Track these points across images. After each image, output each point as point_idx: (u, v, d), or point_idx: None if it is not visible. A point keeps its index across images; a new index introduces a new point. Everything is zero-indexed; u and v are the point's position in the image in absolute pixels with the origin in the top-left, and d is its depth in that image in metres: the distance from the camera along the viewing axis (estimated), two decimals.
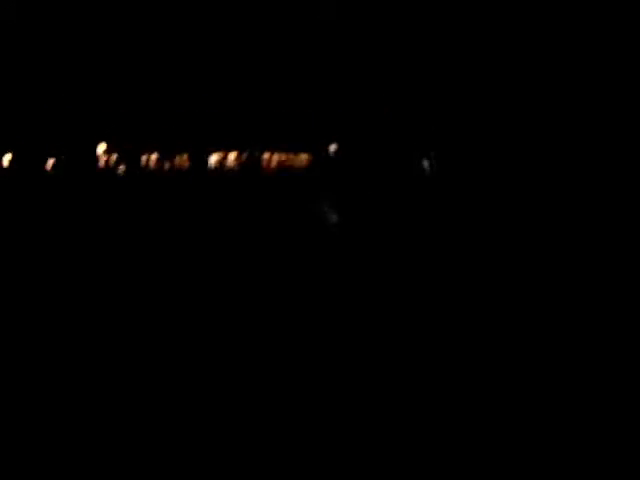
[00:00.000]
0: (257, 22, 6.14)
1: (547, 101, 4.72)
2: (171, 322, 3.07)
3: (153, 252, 5.13)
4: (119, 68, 6.27)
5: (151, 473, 2.02)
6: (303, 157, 6.60)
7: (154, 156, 6.42)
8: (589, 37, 4.36)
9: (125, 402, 2.24)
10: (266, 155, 6.73)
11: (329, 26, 5.41)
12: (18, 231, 6.16)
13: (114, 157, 6.22)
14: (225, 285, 3.87)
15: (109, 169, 6.45)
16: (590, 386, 2.78)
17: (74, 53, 6.33)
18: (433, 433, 2.21)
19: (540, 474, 2.03)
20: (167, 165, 6.72)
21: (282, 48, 6.14)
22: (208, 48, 6.37)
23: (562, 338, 3.02)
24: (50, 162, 6.08)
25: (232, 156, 6.91)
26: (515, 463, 2.10)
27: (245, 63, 6.27)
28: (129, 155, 6.25)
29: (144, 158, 6.47)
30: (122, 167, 6.28)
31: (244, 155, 6.79)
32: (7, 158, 6.15)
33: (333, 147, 5.77)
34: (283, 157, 6.63)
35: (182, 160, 6.72)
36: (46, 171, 6.20)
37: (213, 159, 6.91)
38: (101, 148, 6.10)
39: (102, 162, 6.35)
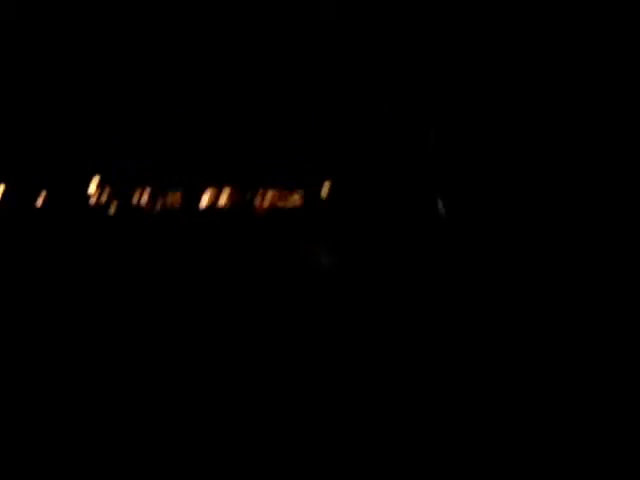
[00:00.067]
0: (247, 65, 6.20)
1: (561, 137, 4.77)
2: (161, 364, 3.03)
3: (142, 291, 5.08)
4: (113, 104, 6.30)
5: (151, 473, 2.00)
6: (296, 196, 6.59)
7: (146, 193, 6.40)
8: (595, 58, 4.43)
9: (123, 405, 2.22)
10: (259, 193, 6.72)
11: (322, 64, 5.47)
12: (6, 266, 6.08)
13: (106, 193, 6.19)
14: (216, 325, 3.83)
15: (100, 205, 6.40)
16: (590, 386, 2.78)
17: (64, 91, 6.36)
18: (433, 433, 2.20)
19: (540, 474, 2.01)
20: (159, 202, 6.69)
21: (271, 90, 6.19)
22: (200, 84, 6.43)
23: (566, 343, 3.03)
24: (41, 197, 6.03)
25: (225, 194, 6.91)
26: (515, 463, 2.09)
27: (238, 100, 6.32)
28: (121, 191, 6.22)
29: (136, 195, 6.44)
30: (114, 204, 6.24)
31: (237, 193, 6.79)
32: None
33: (327, 185, 5.76)
34: (276, 196, 6.62)
35: (174, 198, 6.70)
36: (36, 206, 6.15)
37: (205, 197, 6.89)
38: (93, 183, 6.07)
39: (94, 198, 6.31)
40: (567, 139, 4.59)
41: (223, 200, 6.73)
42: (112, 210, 6.69)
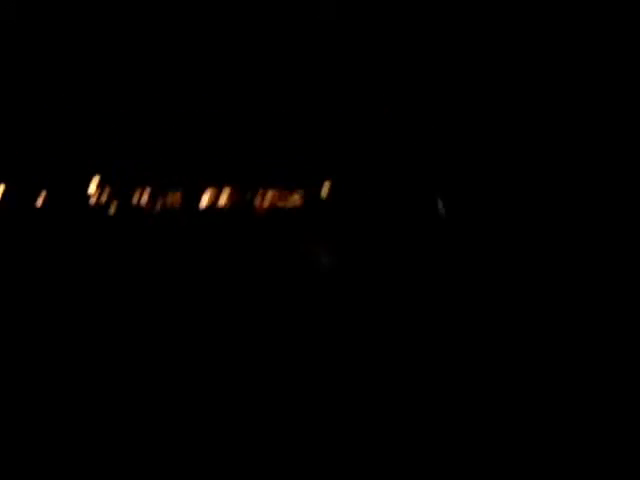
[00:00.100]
0: (246, 68, 6.20)
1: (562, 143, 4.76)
2: (160, 363, 3.03)
3: (142, 291, 5.08)
4: (112, 105, 6.30)
5: (150, 473, 2.00)
6: (296, 196, 6.59)
7: (146, 193, 6.40)
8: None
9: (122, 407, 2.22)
10: (259, 193, 6.72)
11: (321, 67, 5.47)
12: (5, 266, 6.08)
13: (106, 193, 6.19)
14: (216, 325, 3.83)
15: (100, 205, 6.41)
16: (590, 387, 2.78)
17: (63, 94, 6.37)
18: (432, 434, 2.20)
19: (540, 474, 2.01)
20: (159, 202, 6.70)
21: (272, 90, 6.19)
22: (200, 86, 6.42)
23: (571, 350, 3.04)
24: (41, 196, 6.04)
25: (225, 194, 6.91)
26: (515, 463, 2.09)
27: (238, 101, 6.31)
28: (121, 191, 6.23)
29: (136, 195, 6.44)
30: (114, 204, 6.25)
31: (237, 193, 6.78)
32: None
33: (327, 185, 5.76)
34: (276, 196, 6.62)
35: (174, 197, 6.71)
36: (36, 206, 6.15)
37: (205, 197, 6.89)
38: (93, 183, 6.08)
39: (93, 198, 6.32)
40: (567, 140, 4.59)
41: (223, 200, 6.73)
42: (112, 210, 6.70)
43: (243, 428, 2.26)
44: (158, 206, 6.69)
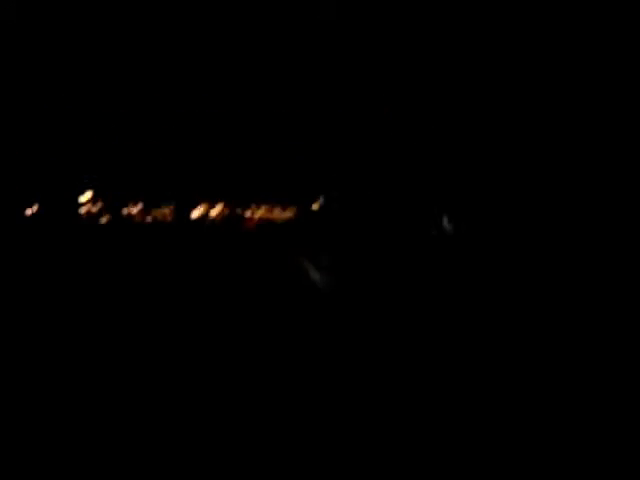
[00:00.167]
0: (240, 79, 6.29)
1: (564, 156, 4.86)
2: (152, 373, 2.97)
3: (134, 305, 5.03)
4: (107, 120, 6.32)
5: (150, 473, 1.98)
6: (288, 212, 6.69)
7: (138, 207, 6.42)
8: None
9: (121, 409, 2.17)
10: (250, 209, 6.80)
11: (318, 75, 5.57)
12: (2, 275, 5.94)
13: (98, 206, 6.20)
14: (206, 338, 3.76)
15: (92, 218, 6.39)
16: (589, 387, 2.85)
17: (59, 107, 6.36)
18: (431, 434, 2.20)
19: (540, 474, 2.03)
20: (150, 217, 6.72)
21: (266, 104, 6.28)
22: (194, 102, 6.48)
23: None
24: (33, 209, 6.00)
25: (215, 210, 6.97)
26: (515, 463, 2.10)
27: (231, 117, 6.39)
28: (113, 205, 6.24)
29: (127, 209, 6.46)
30: (105, 217, 6.25)
31: (227, 209, 6.85)
32: None
33: (320, 201, 5.89)
34: (267, 212, 6.72)
35: (165, 212, 6.74)
36: (29, 217, 6.11)
37: (196, 212, 6.94)
38: (85, 197, 6.08)
39: (85, 211, 6.31)
40: (571, 157, 4.73)
41: (214, 214, 6.79)
42: (105, 224, 6.68)
43: (229, 434, 2.20)
44: (150, 219, 6.71)
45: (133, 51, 6.56)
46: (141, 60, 6.54)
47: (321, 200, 6.07)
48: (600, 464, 2.01)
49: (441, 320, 4.11)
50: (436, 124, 5.05)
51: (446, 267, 5.39)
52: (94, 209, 6.69)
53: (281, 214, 6.33)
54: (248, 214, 6.57)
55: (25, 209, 6.46)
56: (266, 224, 6.47)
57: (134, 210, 6.30)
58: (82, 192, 6.47)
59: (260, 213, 6.42)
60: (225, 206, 6.47)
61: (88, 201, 6.57)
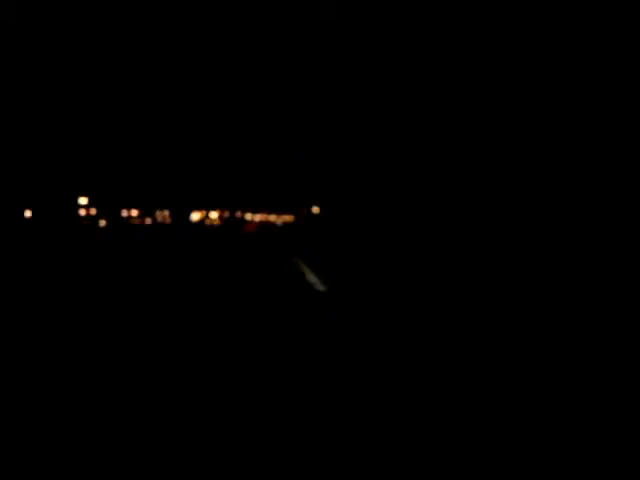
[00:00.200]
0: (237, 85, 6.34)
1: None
2: (152, 373, 2.99)
3: (134, 305, 5.05)
4: (105, 126, 6.40)
5: (150, 473, 2.00)
6: (285, 218, 6.71)
7: (135, 211, 6.46)
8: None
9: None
10: (247, 216, 6.83)
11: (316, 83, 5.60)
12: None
13: (94, 210, 6.24)
14: (203, 341, 3.78)
15: (89, 222, 6.43)
16: (589, 387, 2.83)
17: (57, 110, 6.46)
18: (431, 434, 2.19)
19: (540, 474, 2.02)
20: (148, 221, 6.74)
21: (266, 108, 6.33)
22: (193, 109, 6.53)
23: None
24: (28, 212, 6.05)
25: (213, 215, 6.99)
26: (515, 463, 2.10)
27: (229, 123, 6.44)
28: (110, 209, 6.28)
29: (125, 213, 6.49)
30: (102, 221, 6.29)
31: (225, 215, 6.88)
32: None
33: (315, 208, 5.89)
34: (264, 218, 6.75)
35: (163, 217, 6.76)
36: (26, 220, 6.15)
37: (194, 218, 6.97)
38: (82, 201, 6.13)
39: (82, 214, 6.35)
40: (571, 158, 4.71)
41: (211, 220, 6.79)
42: (104, 226, 6.70)
43: (229, 434, 2.21)
44: (146, 223, 6.73)
45: (134, 55, 6.61)
46: (142, 63, 6.59)
47: (320, 203, 6.07)
48: (600, 464, 1.99)
49: (441, 320, 4.11)
50: (436, 124, 5.05)
51: (446, 267, 5.39)
52: (93, 211, 6.73)
53: (279, 217, 6.32)
54: (248, 217, 6.59)
55: (25, 210, 6.51)
56: (265, 225, 6.48)
57: (133, 212, 6.32)
58: (81, 194, 6.51)
59: (259, 216, 6.41)
60: (224, 209, 6.48)
61: (88, 203, 6.62)
